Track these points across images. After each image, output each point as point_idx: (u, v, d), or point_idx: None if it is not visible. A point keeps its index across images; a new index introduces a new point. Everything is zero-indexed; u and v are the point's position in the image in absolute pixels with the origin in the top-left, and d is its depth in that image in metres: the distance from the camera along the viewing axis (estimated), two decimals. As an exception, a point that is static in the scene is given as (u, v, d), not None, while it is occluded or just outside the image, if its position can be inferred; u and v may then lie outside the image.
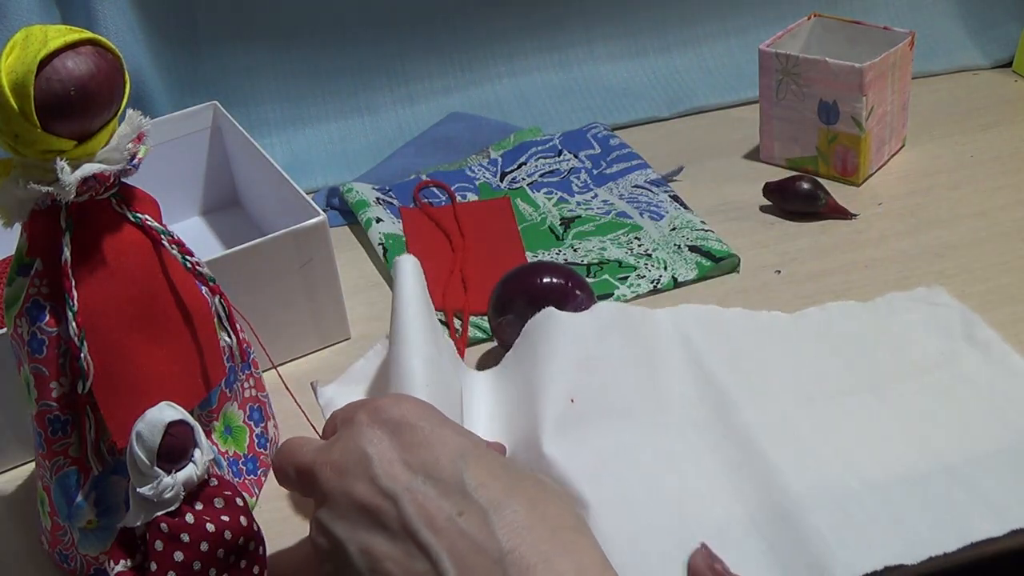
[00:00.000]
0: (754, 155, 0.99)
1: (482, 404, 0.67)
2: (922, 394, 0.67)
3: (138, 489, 0.54)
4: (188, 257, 0.61)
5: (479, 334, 0.79)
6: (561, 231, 0.90)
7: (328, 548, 0.48)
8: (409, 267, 0.65)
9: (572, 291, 0.72)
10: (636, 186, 0.95)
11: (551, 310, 0.69)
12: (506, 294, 0.73)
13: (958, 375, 0.68)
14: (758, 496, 0.59)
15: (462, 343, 0.78)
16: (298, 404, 0.69)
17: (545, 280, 0.72)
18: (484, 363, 0.76)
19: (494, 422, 0.66)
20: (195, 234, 0.95)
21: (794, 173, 0.92)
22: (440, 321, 0.78)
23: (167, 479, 0.54)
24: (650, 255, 0.85)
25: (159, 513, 0.54)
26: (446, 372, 0.62)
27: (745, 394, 0.67)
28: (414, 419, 0.49)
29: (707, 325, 0.73)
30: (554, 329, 0.68)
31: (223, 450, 0.65)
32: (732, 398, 0.66)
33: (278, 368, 0.71)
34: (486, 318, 0.80)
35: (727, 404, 0.66)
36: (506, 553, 0.43)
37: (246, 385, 0.68)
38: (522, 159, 1.01)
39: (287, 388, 0.69)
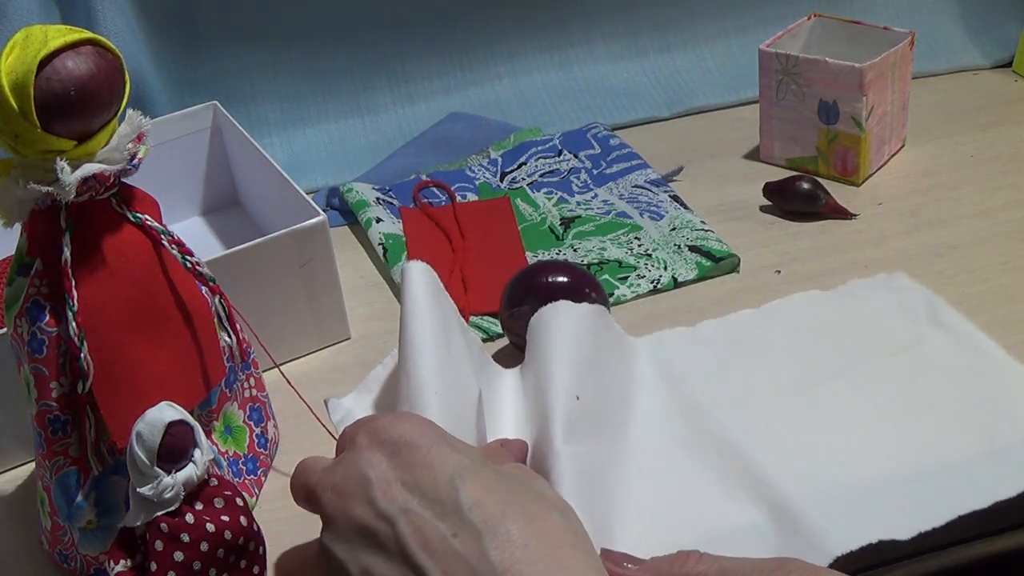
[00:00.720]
0: (754, 155, 0.99)
1: (509, 402, 0.67)
2: (893, 377, 0.68)
3: (138, 489, 0.54)
4: (188, 257, 0.61)
5: (479, 334, 0.79)
6: (561, 231, 0.90)
7: (331, 569, 0.49)
8: (417, 273, 0.64)
9: (583, 290, 0.72)
10: (636, 186, 0.95)
11: (553, 305, 0.69)
12: (517, 293, 0.73)
13: (926, 357, 0.69)
14: (746, 494, 0.60)
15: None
16: (304, 401, 0.69)
17: (557, 279, 0.72)
18: (484, 363, 0.76)
19: (520, 419, 0.66)
20: (195, 234, 0.95)
21: (794, 173, 0.92)
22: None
23: (167, 479, 0.54)
24: (650, 255, 0.85)
25: (159, 513, 0.54)
26: (461, 374, 0.62)
27: (720, 401, 0.67)
28: (413, 438, 0.50)
29: (676, 345, 0.73)
30: (555, 326, 0.68)
31: (223, 450, 0.65)
32: (709, 407, 0.67)
33: (280, 367, 0.71)
34: (486, 318, 0.80)
35: (704, 414, 0.66)
36: (500, 574, 0.44)
37: (246, 385, 0.68)
38: (522, 159, 1.01)
39: (291, 386, 0.69)
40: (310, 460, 0.54)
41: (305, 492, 0.53)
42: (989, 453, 0.61)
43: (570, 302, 0.69)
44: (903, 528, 0.56)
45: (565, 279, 0.72)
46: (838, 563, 0.55)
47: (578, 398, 0.64)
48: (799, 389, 0.68)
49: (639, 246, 0.86)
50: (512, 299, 0.73)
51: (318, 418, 0.67)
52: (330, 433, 0.67)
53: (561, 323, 0.67)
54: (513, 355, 0.75)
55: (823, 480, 0.60)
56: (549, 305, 0.68)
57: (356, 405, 0.65)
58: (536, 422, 0.64)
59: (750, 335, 0.74)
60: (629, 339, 0.73)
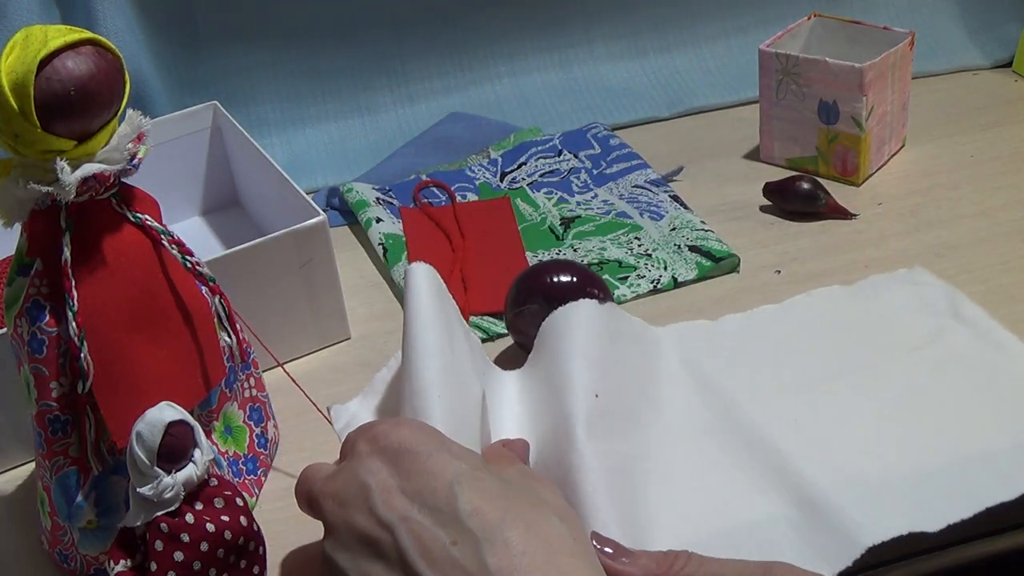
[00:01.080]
0: (754, 155, 0.99)
1: (509, 404, 0.67)
2: (916, 371, 0.68)
3: (138, 489, 0.54)
4: (188, 257, 0.61)
5: (479, 334, 0.79)
6: (561, 231, 0.90)
7: None
8: (420, 274, 0.64)
9: (587, 289, 0.72)
10: (636, 186, 0.95)
11: (566, 307, 0.69)
12: (522, 293, 0.73)
13: (949, 350, 0.70)
14: (776, 488, 0.60)
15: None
16: (310, 400, 0.69)
17: (562, 278, 0.72)
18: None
19: (522, 420, 0.66)
20: (195, 234, 0.95)
21: (794, 173, 0.92)
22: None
23: (167, 479, 0.54)
24: (650, 255, 0.85)
25: (159, 513, 0.54)
26: (464, 375, 0.62)
27: (746, 395, 0.68)
28: (412, 445, 0.50)
29: (699, 339, 0.74)
30: (569, 326, 0.68)
31: (223, 450, 0.65)
32: (735, 401, 0.67)
33: (284, 365, 0.71)
34: (486, 318, 0.80)
35: (731, 408, 0.67)
36: None
37: (246, 385, 0.68)
38: (522, 159, 1.01)
39: (297, 385, 0.69)
40: (313, 468, 0.54)
41: (308, 499, 0.53)
42: (1015, 445, 0.62)
43: (582, 301, 0.69)
44: (932, 520, 0.56)
45: (570, 278, 0.72)
46: (869, 554, 0.55)
47: (597, 395, 0.63)
48: (823, 383, 0.68)
49: (639, 246, 0.86)
50: (517, 299, 0.73)
51: (325, 417, 0.67)
52: (331, 422, 0.67)
53: (574, 323, 0.67)
54: (517, 355, 0.75)
55: (851, 472, 0.61)
56: (561, 308, 0.68)
57: (361, 409, 0.65)
58: (549, 422, 0.64)
59: (772, 330, 0.74)
60: (650, 329, 0.73)
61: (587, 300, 0.69)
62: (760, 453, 0.63)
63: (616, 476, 0.60)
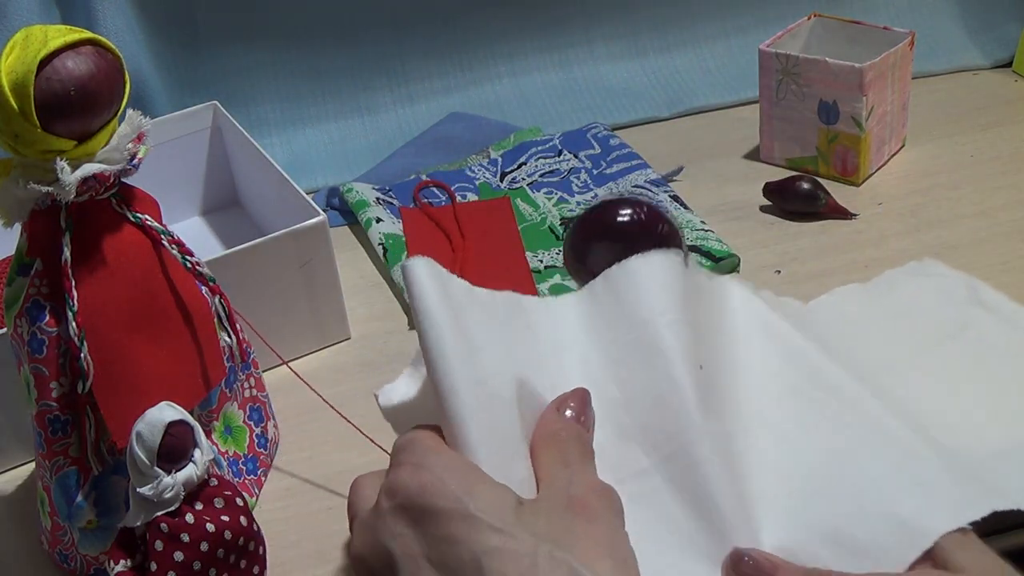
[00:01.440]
0: (754, 155, 0.99)
1: (571, 334, 0.61)
2: (953, 360, 0.67)
3: (138, 489, 0.54)
4: (188, 257, 0.61)
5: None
6: (561, 231, 0.90)
7: None
8: (419, 271, 0.59)
9: (656, 225, 0.66)
10: (636, 186, 0.95)
11: (646, 256, 0.62)
12: (585, 232, 0.67)
13: (979, 337, 0.69)
14: (888, 447, 0.57)
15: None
16: (320, 396, 0.69)
17: (622, 217, 0.65)
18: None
19: (589, 357, 0.60)
20: (195, 234, 0.95)
21: (794, 173, 0.92)
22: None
23: (167, 479, 0.54)
24: (650, 255, 0.85)
25: (159, 513, 0.54)
26: (494, 375, 0.56)
27: (826, 362, 0.64)
28: (434, 500, 0.47)
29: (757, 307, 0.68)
30: (654, 280, 0.61)
31: (223, 450, 0.65)
32: (819, 362, 0.63)
33: (289, 364, 0.71)
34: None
35: (817, 368, 0.63)
36: None
37: (246, 385, 0.68)
38: (522, 159, 1.01)
39: (304, 382, 0.69)
40: (357, 488, 0.51)
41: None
42: None
43: (662, 253, 0.61)
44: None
45: (634, 214, 0.64)
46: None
47: (701, 367, 0.59)
48: (865, 379, 0.66)
49: (639, 246, 0.86)
50: (583, 239, 0.66)
51: (335, 409, 0.67)
52: (368, 437, 0.66)
53: (659, 279, 0.61)
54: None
55: (951, 446, 0.58)
56: (639, 258, 0.61)
57: (410, 385, 0.60)
58: (645, 383, 0.58)
59: (803, 331, 0.73)
60: (718, 279, 0.67)
61: (667, 253, 0.62)
62: (860, 412, 0.59)
63: (726, 459, 0.56)
